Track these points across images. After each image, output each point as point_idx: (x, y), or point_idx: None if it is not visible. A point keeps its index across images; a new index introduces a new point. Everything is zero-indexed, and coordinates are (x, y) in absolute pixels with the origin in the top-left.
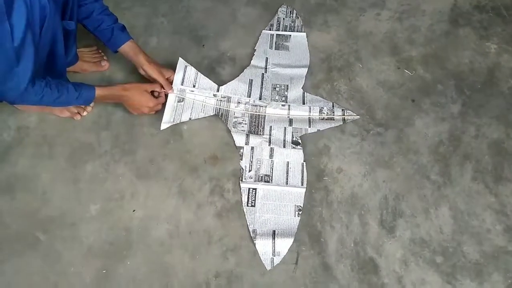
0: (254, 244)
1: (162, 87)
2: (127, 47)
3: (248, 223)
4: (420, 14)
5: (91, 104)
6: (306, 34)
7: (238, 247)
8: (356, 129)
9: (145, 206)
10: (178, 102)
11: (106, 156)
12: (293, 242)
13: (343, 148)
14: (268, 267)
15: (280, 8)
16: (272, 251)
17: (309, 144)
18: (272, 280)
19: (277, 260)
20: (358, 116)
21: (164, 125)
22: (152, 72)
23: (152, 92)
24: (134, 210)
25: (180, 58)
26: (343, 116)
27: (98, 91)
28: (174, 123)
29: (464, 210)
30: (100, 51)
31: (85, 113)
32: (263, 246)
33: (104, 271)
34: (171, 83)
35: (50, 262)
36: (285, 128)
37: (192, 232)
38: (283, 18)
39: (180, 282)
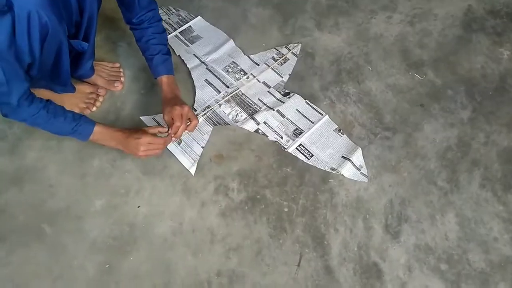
0: (342, 175)
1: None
2: (162, 79)
3: (323, 168)
4: (432, 18)
5: (100, 99)
6: (202, 20)
7: (240, 246)
8: (363, 132)
9: (150, 202)
10: (178, 145)
11: (113, 152)
12: (296, 244)
13: None
14: (366, 180)
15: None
16: (355, 168)
17: None
18: (273, 281)
19: (364, 170)
20: (300, 44)
21: (192, 170)
22: (163, 115)
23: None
24: (138, 206)
25: (142, 118)
26: (291, 51)
27: (98, 128)
28: (197, 161)
29: (471, 218)
30: (120, 71)
31: (94, 108)
32: (348, 171)
33: (107, 266)
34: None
35: (55, 254)
36: (268, 91)
37: (195, 230)
38: (169, 18)
39: (182, 279)
